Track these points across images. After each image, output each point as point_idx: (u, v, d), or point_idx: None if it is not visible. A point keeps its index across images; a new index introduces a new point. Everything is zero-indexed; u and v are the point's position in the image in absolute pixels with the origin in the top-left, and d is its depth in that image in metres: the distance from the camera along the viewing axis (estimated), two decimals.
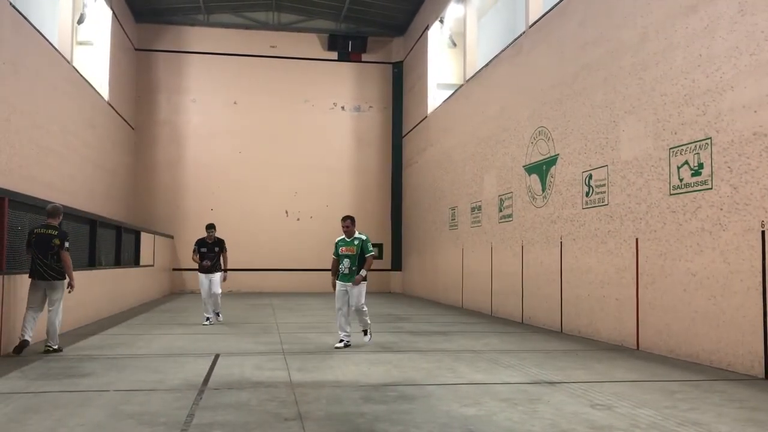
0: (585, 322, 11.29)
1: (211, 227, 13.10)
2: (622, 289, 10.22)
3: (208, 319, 12.78)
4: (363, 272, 9.52)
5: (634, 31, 10.23)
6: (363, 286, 9.63)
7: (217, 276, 12.96)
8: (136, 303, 17.57)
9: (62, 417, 5.36)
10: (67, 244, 8.94)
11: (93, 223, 13.71)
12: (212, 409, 5.67)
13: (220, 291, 13.06)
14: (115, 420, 5.28)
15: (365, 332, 9.91)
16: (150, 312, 15.76)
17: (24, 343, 8.62)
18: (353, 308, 9.61)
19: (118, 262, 15.95)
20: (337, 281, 9.72)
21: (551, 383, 6.98)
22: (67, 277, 8.99)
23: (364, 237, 9.66)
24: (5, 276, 8.78)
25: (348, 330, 9.65)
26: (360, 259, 9.57)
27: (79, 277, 10.29)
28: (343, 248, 9.64)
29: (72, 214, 12.23)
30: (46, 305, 8.99)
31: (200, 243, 13.00)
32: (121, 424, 5.17)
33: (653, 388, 6.80)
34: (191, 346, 9.74)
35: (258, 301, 19.54)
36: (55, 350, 8.87)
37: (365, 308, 9.74)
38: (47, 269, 8.81)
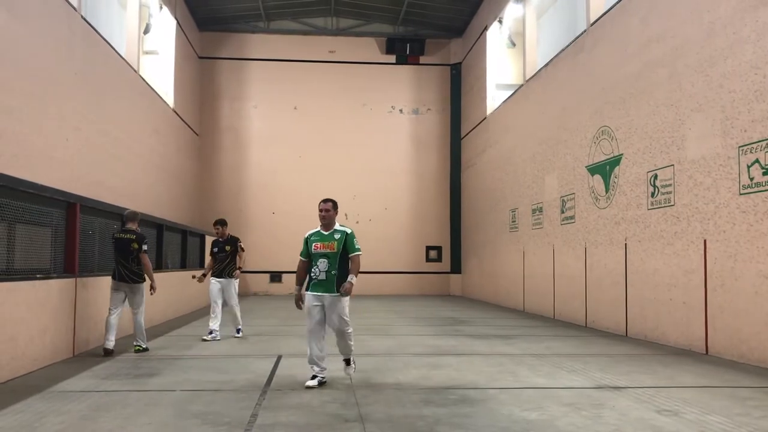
0: (651, 326, 11.00)
1: (219, 223, 11.23)
2: (689, 291, 9.92)
3: (211, 332, 10.74)
4: (352, 278, 6.97)
5: (699, 26, 9.93)
6: (346, 298, 7.04)
7: (233, 283, 11.05)
8: (200, 305, 17.97)
9: (131, 415, 5.52)
10: (145, 247, 9.29)
11: (159, 227, 14.10)
12: (275, 410, 5.76)
13: (235, 301, 11.06)
14: (181, 419, 5.42)
15: (348, 361, 7.28)
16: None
17: (108, 352, 8.94)
18: (333, 330, 7.09)
19: (183, 265, 16.36)
20: (307, 293, 7.08)
21: (616, 388, 6.83)
22: (147, 279, 9.36)
23: (348, 230, 7.13)
24: (78, 279, 9.10)
25: (324, 364, 7.08)
26: (342, 261, 7.04)
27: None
28: (318, 244, 7.04)
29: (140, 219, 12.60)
30: (127, 307, 9.38)
31: (213, 243, 11.34)
32: (186, 423, 5.30)
33: (723, 394, 6.58)
34: (254, 348, 9.91)
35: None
36: (144, 349, 9.26)
37: (350, 329, 7.11)
38: (128, 272, 9.18)
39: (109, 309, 9.19)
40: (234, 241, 11.24)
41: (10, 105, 10.78)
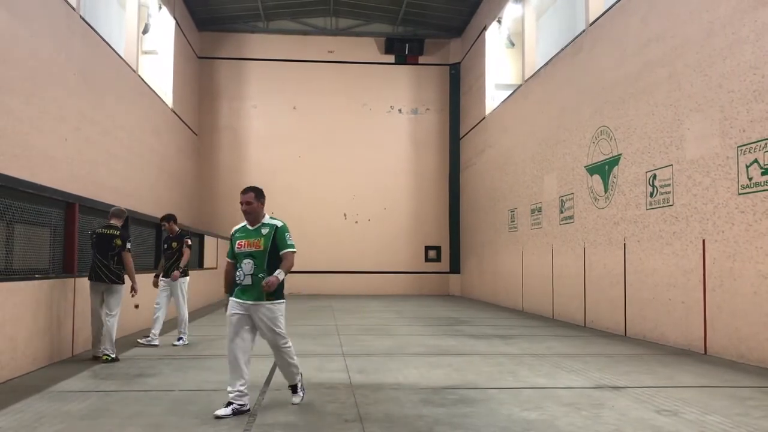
0: (650, 326, 11.01)
1: (165, 219, 10.50)
2: (688, 291, 9.92)
3: (147, 336, 10.01)
4: (279, 273, 5.63)
5: (699, 26, 9.94)
6: (280, 307, 5.81)
7: (177, 283, 10.20)
8: (200, 305, 17.96)
9: (131, 415, 5.52)
10: (129, 245, 8.63)
11: (158, 226, 14.07)
12: (274, 410, 5.75)
13: (181, 301, 10.23)
14: (181, 419, 5.41)
15: (294, 388, 6.06)
16: (213, 314, 16.09)
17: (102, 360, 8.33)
18: (269, 345, 5.91)
19: None
20: (231, 299, 5.86)
21: (615, 388, 6.84)
22: (128, 280, 8.67)
23: (279, 223, 5.90)
24: (77, 279, 9.09)
25: (244, 382, 5.67)
26: (272, 261, 5.76)
27: (147, 279, 10.59)
28: (242, 242, 5.83)
29: (138, 218, 12.60)
30: (103, 309, 8.62)
31: (164, 239, 10.61)
32: (186, 423, 5.29)
33: (723, 394, 6.59)
34: (253, 347, 9.87)
35: (318, 304, 19.73)
36: (112, 359, 8.33)
37: (288, 344, 5.87)
38: (106, 271, 8.44)
39: (92, 315, 8.59)
40: (180, 238, 10.36)
41: (9, 105, 10.77)
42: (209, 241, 19.81)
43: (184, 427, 5.16)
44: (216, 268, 20.78)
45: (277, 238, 5.80)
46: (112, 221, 8.77)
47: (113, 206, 9.81)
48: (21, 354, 7.43)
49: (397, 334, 11.84)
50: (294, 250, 5.84)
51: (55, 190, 8.98)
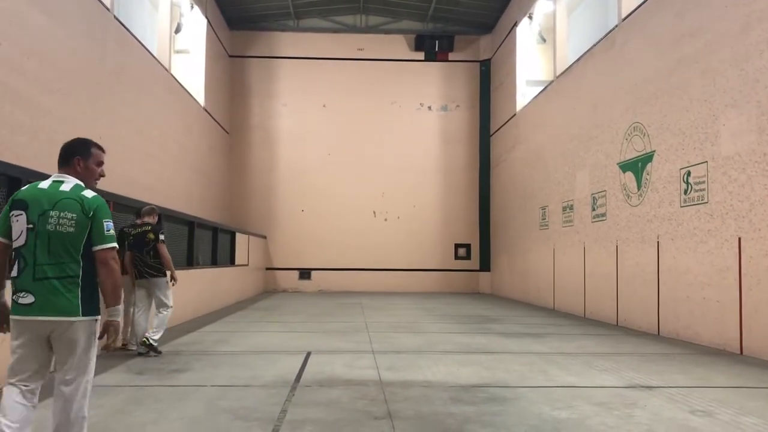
0: (684, 325, 10.85)
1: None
2: (723, 290, 9.75)
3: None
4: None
5: (734, 21, 9.75)
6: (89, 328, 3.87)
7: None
8: (231, 301, 18.14)
9: (163, 410, 5.60)
10: (162, 237, 8.85)
11: (191, 224, 14.26)
12: (304, 406, 5.79)
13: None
14: (212, 414, 5.48)
15: None
16: (245, 310, 16.24)
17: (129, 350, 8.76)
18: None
19: (214, 262, 16.52)
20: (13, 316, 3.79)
21: (648, 387, 6.75)
22: (167, 271, 8.87)
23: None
24: None
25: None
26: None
27: (178, 276, 10.71)
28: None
29: (171, 216, 12.78)
30: (153, 305, 8.96)
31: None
32: (217, 418, 5.36)
33: (759, 395, 6.47)
34: (284, 344, 9.97)
35: (347, 300, 19.80)
36: (151, 346, 8.45)
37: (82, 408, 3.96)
38: (145, 267, 8.76)
39: (135, 307, 8.89)
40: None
41: (48, 105, 10.99)
42: (240, 239, 20.00)
43: (216, 422, 5.22)
44: (247, 265, 20.98)
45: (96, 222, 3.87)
46: (145, 219, 9.09)
47: (148, 204, 9.97)
48: None
49: (426, 331, 11.83)
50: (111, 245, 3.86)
51: None
